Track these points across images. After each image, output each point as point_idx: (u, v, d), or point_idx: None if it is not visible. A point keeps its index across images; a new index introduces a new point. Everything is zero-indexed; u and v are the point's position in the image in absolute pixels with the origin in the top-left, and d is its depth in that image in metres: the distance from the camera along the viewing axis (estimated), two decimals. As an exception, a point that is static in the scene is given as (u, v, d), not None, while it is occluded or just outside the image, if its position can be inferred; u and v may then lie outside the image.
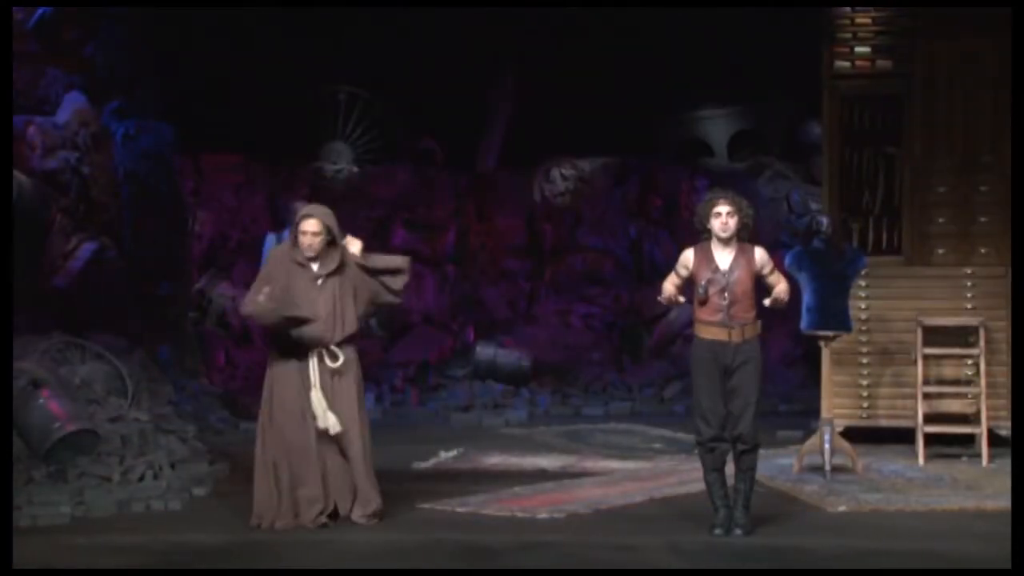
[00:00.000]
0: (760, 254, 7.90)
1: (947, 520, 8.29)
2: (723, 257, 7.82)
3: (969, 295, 10.96)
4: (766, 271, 7.90)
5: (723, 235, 7.80)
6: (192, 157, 15.34)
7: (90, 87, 13.09)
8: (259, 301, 8.17)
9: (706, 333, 7.82)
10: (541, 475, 10.02)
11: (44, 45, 12.80)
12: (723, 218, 7.79)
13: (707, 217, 7.84)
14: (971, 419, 10.53)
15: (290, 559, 7.38)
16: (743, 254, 7.85)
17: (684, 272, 7.90)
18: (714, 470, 7.85)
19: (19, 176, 11.96)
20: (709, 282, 7.75)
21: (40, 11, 12.76)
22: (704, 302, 7.76)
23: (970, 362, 10.67)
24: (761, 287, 7.95)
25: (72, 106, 12.82)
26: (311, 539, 7.83)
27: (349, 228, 15.54)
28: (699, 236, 7.96)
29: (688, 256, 7.90)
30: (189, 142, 14.56)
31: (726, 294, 7.75)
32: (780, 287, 7.93)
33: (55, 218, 12.47)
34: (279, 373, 8.21)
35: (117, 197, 13.15)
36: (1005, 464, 9.96)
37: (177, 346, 13.13)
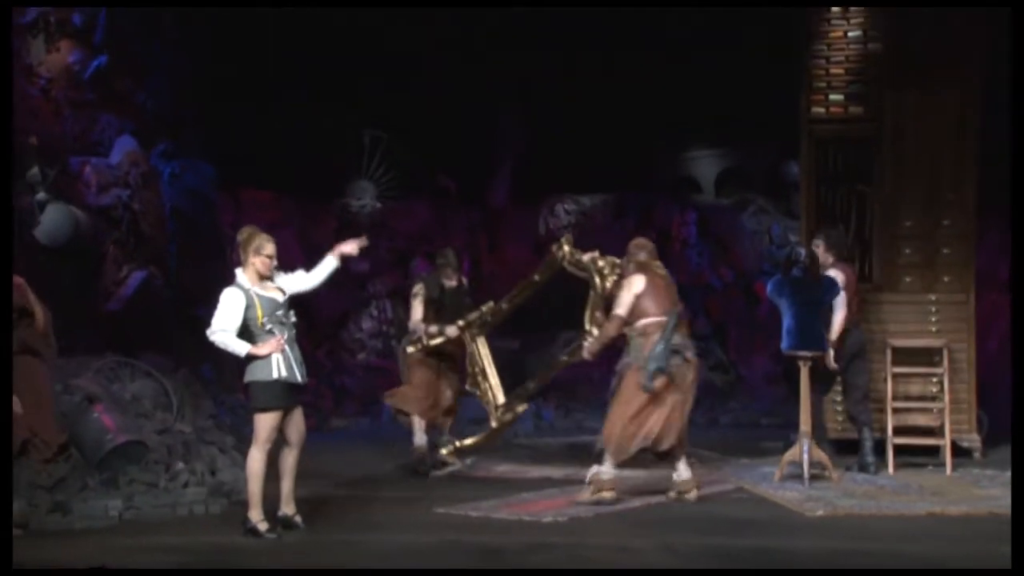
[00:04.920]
0: None
1: (915, 523, 8.27)
2: None
3: (934, 319, 10.97)
4: None
5: None
6: (231, 193, 15.39)
7: (140, 131, 13.18)
8: None
9: None
10: (547, 482, 10.02)
11: (99, 94, 12.90)
12: None
13: None
14: (936, 432, 10.52)
15: (315, 559, 7.35)
16: None
17: None
18: None
19: (77, 212, 12.03)
20: None
21: (96, 62, 12.84)
22: None
23: (935, 380, 10.67)
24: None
25: (124, 148, 12.91)
26: (335, 540, 7.81)
27: (372, 258, 15.69)
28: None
29: None
30: (229, 180, 14.62)
31: None
32: None
33: (108, 249, 12.54)
34: None
35: (164, 230, 13.22)
36: (966, 473, 10.00)
37: (217, 364, 13.15)
